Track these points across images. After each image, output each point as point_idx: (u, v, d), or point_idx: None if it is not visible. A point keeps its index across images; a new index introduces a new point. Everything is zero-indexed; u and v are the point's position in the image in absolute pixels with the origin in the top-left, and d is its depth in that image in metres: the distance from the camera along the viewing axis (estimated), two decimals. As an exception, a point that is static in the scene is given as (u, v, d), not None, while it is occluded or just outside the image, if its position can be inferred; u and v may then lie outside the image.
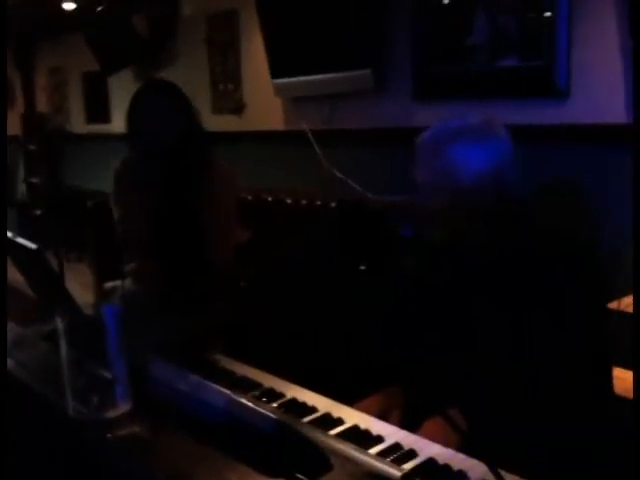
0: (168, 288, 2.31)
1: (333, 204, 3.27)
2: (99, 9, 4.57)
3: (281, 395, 1.41)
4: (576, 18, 2.51)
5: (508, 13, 2.70)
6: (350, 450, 1.14)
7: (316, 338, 2.65)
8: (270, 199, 3.57)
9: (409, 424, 1.37)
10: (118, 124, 5.45)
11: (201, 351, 1.73)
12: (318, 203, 3.35)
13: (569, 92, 2.57)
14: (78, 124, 6.32)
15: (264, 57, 3.74)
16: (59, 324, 1.21)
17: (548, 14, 2.55)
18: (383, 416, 1.45)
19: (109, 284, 3.68)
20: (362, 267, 1.61)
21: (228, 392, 1.00)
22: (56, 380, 1.24)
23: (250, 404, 0.95)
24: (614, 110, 2.44)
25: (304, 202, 3.43)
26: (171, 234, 2.31)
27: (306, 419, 1.30)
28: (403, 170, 3.14)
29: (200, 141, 2.44)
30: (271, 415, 0.90)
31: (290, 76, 3.63)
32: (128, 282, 2.48)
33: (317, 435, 1.16)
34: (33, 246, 1.37)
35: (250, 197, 3.41)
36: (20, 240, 1.41)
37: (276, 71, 3.70)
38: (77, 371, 1.19)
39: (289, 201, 3.51)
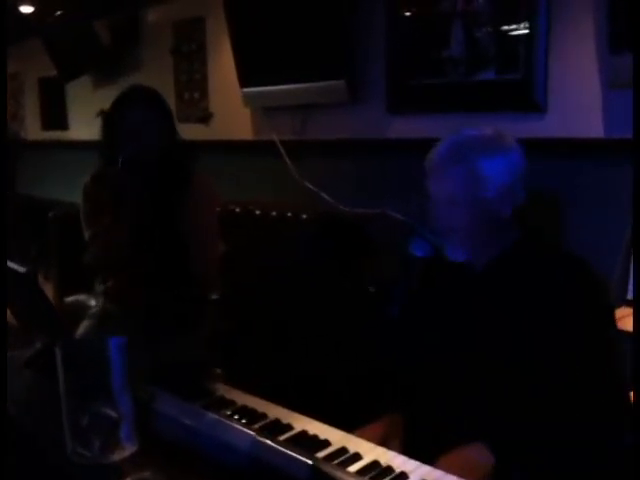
0: (148, 305, 2.21)
1: (304, 216, 3.22)
2: (58, 13, 4.43)
3: (289, 427, 1.33)
4: (554, 32, 2.51)
5: (485, 26, 2.69)
6: (379, 491, 1.09)
7: (307, 350, 2.58)
8: (238, 210, 3.51)
9: (409, 454, 1.33)
10: (76, 131, 5.33)
11: (192, 371, 1.65)
12: (289, 215, 3.30)
13: (546, 106, 2.57)
14: (34, 131, 6.13)
15: (232, 66, 3.66)
16: (57, 353, 1.10)
17: (526, 28, 2.55)
18: (383, 445, 1.39)
19: (70, 298, 3.58)
20: (371, 289, 1.55)
21: (251, 432, 0.93)
22: (49, 416, 1.14)
23: (278, 446, 0.88)
24: (591, 125, 2.45)
25: (274, 214, 3.37)
26: (153, 249, 2.21)
27: (320, 454, 1.23)
28: (376, 182, 3.14)
29: (182, 151, 2.34)
30: (306, 460, 0.84)
31: (260, 85, 3.55)
32: (102, 301, 2.37)
33: (340, 475, 1.09)
34: (22, 269, 1.27)
35: (218, 209, 3.34)
36: (8, 263, 1.31)
37: (245, 80, 3.62)
38: (76, 407, 1.09)
39: (258, 212, 3.45)
